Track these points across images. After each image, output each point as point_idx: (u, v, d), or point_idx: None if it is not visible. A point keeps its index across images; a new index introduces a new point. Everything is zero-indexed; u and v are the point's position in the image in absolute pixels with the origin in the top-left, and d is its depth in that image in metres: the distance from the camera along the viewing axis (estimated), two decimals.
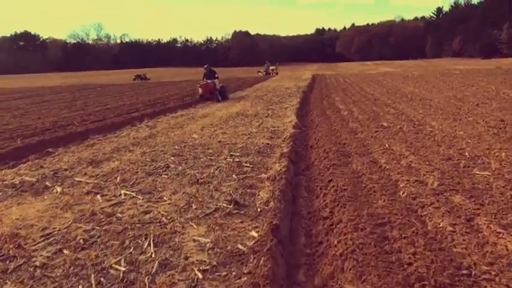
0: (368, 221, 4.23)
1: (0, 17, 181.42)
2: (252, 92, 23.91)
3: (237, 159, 7.35)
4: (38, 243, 4.22)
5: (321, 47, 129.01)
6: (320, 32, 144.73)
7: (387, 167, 6.32)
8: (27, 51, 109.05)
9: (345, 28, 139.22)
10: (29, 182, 6.41)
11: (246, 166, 6.90)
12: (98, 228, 4.51)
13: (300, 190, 5.96)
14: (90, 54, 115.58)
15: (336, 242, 3.93)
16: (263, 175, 6.29)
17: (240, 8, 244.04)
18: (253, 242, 3.94)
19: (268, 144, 8.64)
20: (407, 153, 7.14)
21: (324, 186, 5.72)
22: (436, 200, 4.73)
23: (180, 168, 6.96)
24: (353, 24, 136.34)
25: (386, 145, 7.88)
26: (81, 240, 4.21)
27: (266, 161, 7.24)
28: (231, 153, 7.87)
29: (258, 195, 5.38)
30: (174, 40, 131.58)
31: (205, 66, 19.45)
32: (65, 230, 4.51)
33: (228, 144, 8.79)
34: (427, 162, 6.46)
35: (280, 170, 6.30)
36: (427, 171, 5.89)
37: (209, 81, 18.68)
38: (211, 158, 7.61)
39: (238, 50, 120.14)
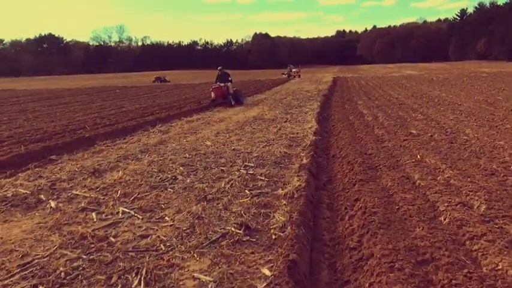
0: (406, 257, 3.44)
1: (25, 19, 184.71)
2: (271, 95, 23.19)
3: (251, 171, 6.63)
4: (12, 275, 3.57)
5: (342, 49, 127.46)
6: (341, 34, 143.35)
7: (422, 183, 5.49)
8: (50, 54, 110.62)
9: (366, 30, 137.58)
10: (22, 195, 5.80)
11: (261, 179, 6.17)
12: (84, 257, 3.83)
13: (321, 209, 5.20)
14: (112, 56, 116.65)
15: (367, 285, 3.16)
16: (280, 191, 5.54)
17: (260, 10, 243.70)
18: (264, 284, 3.20)
19: (286, 153, 7.89)
20: (444, 166, 6.29)
21: (350, 206, 4.94)
22: (487, 229, 3.90)
23: (188, 180, 6.27)
24: (374, 27, 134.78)
25: (418, 156, 7.04)
26: (62, 274, 3.54)
27: (283, 174, 6.50)
28: (245, 163, 7.14)
29: (273, 217, 4.63)
30: (194, 43, 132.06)
31: (219, 68, 18.67)
32: (47, 258, 3.85)
33: (242, 152, 8.07)
34: (468, 179, 5.60)
35: (299, 185, 5.54)
36: (470, 191, 5.05)
37: (222, 84, 17.67)
38: (223, 168, 6.90)
39: (258, 53, 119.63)
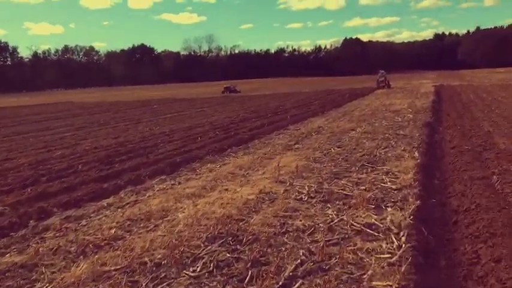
0: None
1: (121, 31, 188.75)
2: (336, 118, 14.04)
3: None
4: None
5: (440, 53, 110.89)
6: (439, 37, 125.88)
7: None
8: (142, 64, 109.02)
9: (468, 32, 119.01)
10: None
11: None
12: None
13: None
14: (200, 66, 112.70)
15: None
16: None
17: (349, 16, 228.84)
18: None
19: None
20: None
21: None
22: None
23: None
24: (478, 28, 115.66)
25: None
26: None
27: None
28: None
29: None
30: (281, 50, 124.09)
31: None
32: None
33: None
34: None
35: None
36: None
37: None
38: None
39: (348, 59, 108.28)
